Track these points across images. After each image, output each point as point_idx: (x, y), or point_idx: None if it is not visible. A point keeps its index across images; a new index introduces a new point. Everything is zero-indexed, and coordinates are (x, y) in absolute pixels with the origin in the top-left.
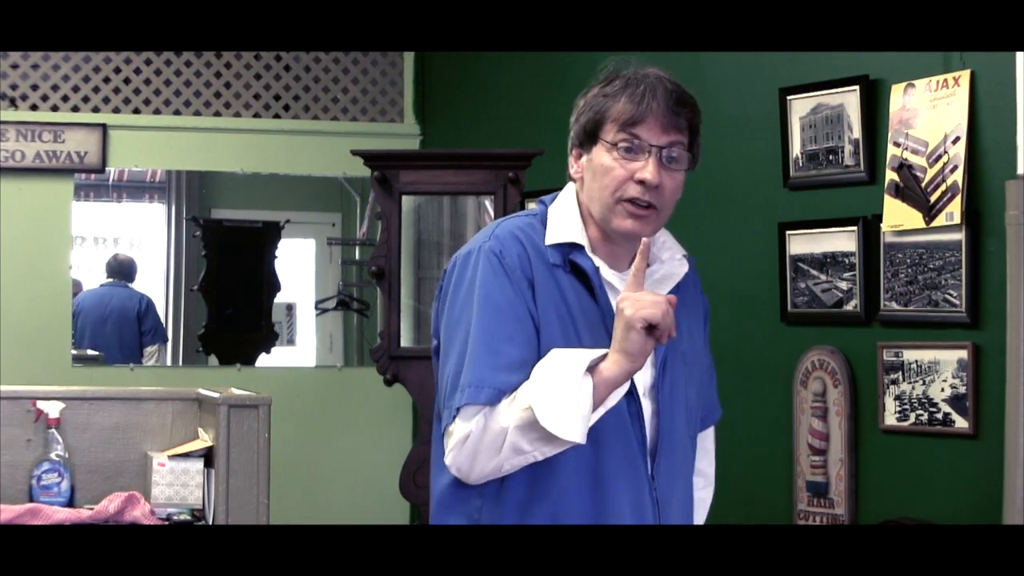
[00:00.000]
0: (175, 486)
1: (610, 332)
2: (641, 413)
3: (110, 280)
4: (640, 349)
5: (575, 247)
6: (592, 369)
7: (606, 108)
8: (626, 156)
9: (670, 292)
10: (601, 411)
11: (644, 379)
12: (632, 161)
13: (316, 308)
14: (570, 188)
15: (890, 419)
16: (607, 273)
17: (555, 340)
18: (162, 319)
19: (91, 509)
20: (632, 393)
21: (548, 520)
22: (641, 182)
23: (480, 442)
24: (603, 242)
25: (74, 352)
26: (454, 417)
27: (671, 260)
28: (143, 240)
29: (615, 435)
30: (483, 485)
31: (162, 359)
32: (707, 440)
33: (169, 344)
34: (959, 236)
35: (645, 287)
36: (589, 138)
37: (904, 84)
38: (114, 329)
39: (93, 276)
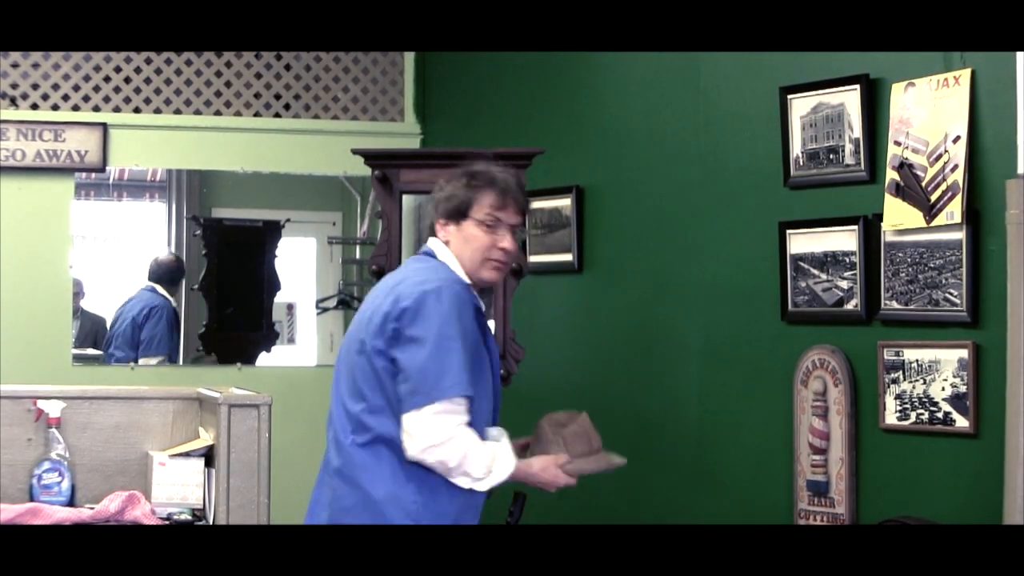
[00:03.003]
0: (176, 485)
1: (487, 334)
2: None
3: (148, 285)
4: (538, 485)
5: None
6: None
7: (476, 196)
8: (489, 230)
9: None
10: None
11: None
12: (494, 233)
13: (317, 307)
14: (440, 245)
15: (891, 418)
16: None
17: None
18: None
19: (92, 508)
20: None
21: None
22: (502, 249)
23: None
24: (478, 282)
25: (74, 352)
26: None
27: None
28: (144, 239)
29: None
30: (421, 485)
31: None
32: None
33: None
34: (960, 235)
35: None
36: (460, 215)
37: (905, 83)
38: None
39: (94, 276)
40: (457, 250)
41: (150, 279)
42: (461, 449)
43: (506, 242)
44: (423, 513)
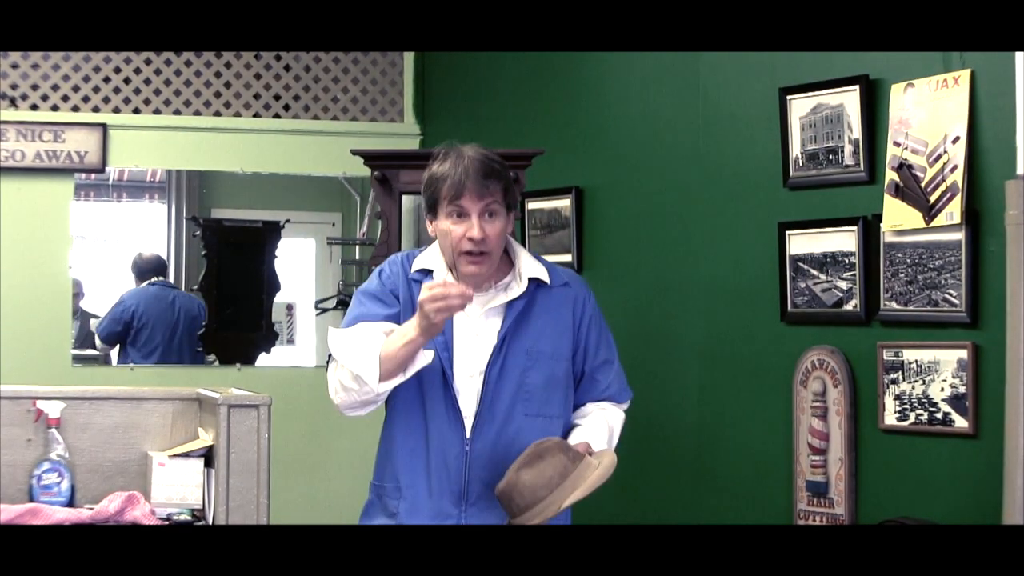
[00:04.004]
0: (175, 486)
1: (448, 324)
2: (454, 395)
3: (157, 280)
4: (420, 323)
5: (429, 272)
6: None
7: (438, 188)
8: (457, 220)
9: (510, 305)
10: (411, 370)
11: (476, 363)
12: (462, 223)
13: (316, 308)
14: (437, 243)
15: (890, 419)
16: None
17: (404, 317)
18: None
19: (91, 509)
20: (448, 383)
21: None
22: (471, 239)
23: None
24: (461, 276)
25: (74, 352)
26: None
27: (512, 287)
28: (143, 240)
29: (433, 410)
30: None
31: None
32: (602, 405)
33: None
34: (959, 236)
35: (483, 310)
36: (432, 210)
37: (904, 84)
38: (185, 335)
39: (94, 276)
40: (441, 246)
41: (153, 275)
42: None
43: (473, 230)
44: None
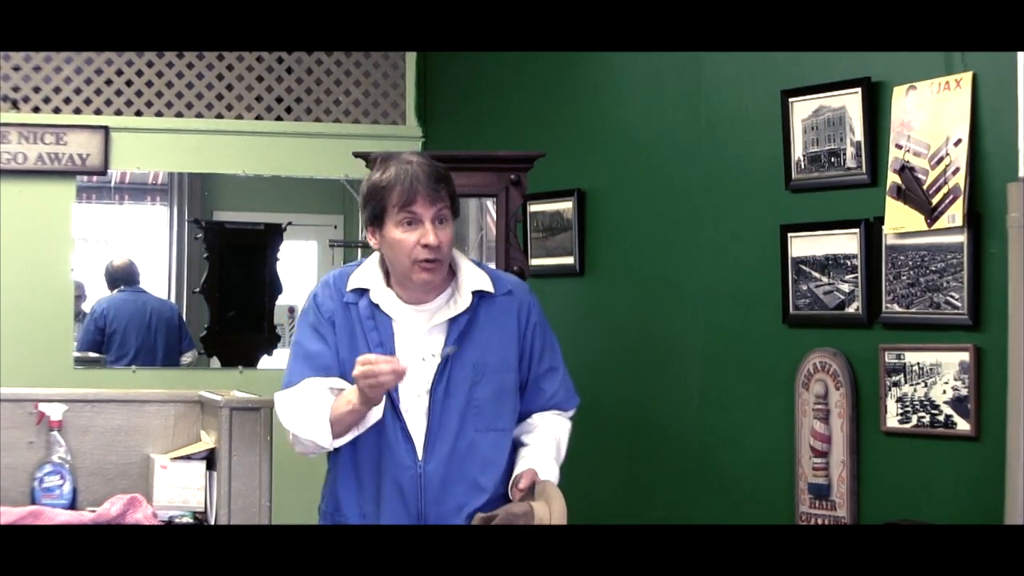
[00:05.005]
0: (177, 488)
1: (384, 338)
2: (401, 418)
3: (128, 287)
4: (360, 398)
5: (366, 291)
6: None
7: (384, 196)
8: (408, 228)
9: (453, 321)
10: (364, 427)
11: (423, 383)
12: (414, 231)
13: None
14: (375, 255)
15: (892, 421)
16: (393, 307)
17: (343, 345)
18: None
19: (93, 512)
20: (395, 405)
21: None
22: (425, 246)
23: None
24: (405, 288)
25: (76, 355)
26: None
27: (454, 301)
28: (145, 242)
29: (383, 435)
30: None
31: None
32: (547, 417)
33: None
34: (961, 238)
35: (427, 327)
36: (378, 220)
37: (906, 86)
38: (160, 337)
39: (95, 278)
40: (388, 258)
41: (124, 283)
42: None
43: (428, 236)
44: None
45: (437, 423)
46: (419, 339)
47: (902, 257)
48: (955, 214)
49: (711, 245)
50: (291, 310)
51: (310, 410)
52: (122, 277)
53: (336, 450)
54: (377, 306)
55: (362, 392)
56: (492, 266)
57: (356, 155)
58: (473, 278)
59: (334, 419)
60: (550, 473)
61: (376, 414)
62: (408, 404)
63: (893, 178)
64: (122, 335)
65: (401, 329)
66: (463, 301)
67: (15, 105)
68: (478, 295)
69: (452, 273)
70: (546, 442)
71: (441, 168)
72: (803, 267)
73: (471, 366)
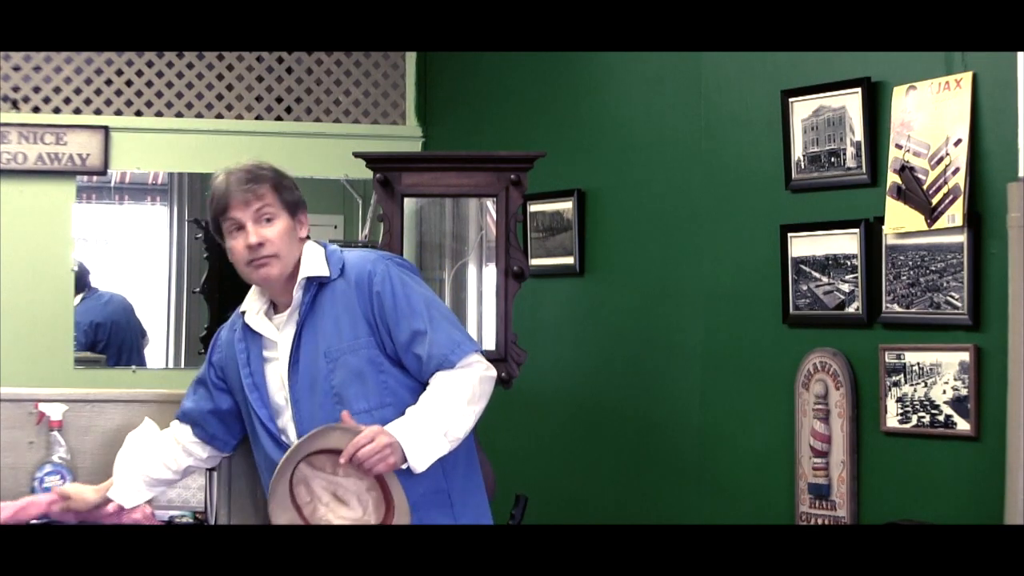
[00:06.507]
0: (177, 488)
1: (251, 355)
2: (275, 431)
3: (91, 291)
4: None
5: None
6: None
7: (212, 209)
8: (236, 233)
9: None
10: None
11: (281, 375)
12: (241, 236)
13: None
14: None
15: (892, 421)
16: (253, 319)
17: (232, 375)
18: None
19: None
20: (264, 423)
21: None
22: (248, 246)
23: None
24: (270, 294)
25: (76, 355)
26: None
27: (296, 294)
28: (145, 242)
29: (259, 449)
30: None
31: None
32: (436, 379)
33: (171, 346)
34: (961, 238)
35: (280, 333)
36: (220, 235)
37: (906, 86)
38: (132, 335)
39: (94, 279)
40: (234, 265)
41: (84, 288)
42: None
43: (250, 237)
44: None
45: (307, 422)
46: (280, 343)
47: (902, 257)
48: (955, 214)
49: (711, 245)
50: None
51: (123, 461)
52: (80, 283)
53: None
54: (247, 326)
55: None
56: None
57: (356, 155)
58: (309, 266)
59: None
60: (396, 428)
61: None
62: (280, 412)
63: (893, 178)
64: (107, 338)
65: (266, 339)
66: (297, 292)
67: (15, 105)
68: (317, 283)
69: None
70: (415, 409)
71: (260, 169)
72: (803, 267)
73: (321, 357)
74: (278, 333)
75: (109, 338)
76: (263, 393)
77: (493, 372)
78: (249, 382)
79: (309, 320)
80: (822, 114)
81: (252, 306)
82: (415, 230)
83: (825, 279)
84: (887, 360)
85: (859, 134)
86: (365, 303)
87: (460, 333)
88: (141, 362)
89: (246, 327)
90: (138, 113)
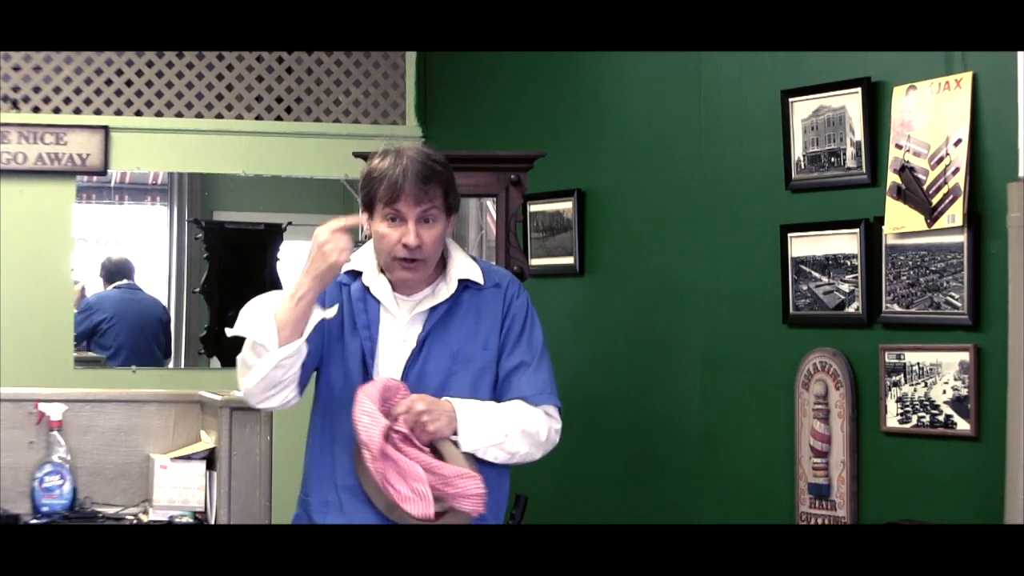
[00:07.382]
0: (177, 488)
1: (371, 321)
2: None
3: (123, 283)
4: (311, 269)
5: (359, 273)
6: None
7: (374, 189)
8: (392, 225)
9: (433, 308)
10: (307, 329)
11: (398, 360)
12: (398, 228)
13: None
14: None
15: (892, 421)
16: (382, 292)
17: (334, 320)
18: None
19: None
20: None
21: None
22: (405, 245)
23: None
24: (394, 280)
25: (76, 355)
26: None
27: (439, 290)
28: (145, 242)
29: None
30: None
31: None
32: (518, 402)
33: (171, 346)
34: (961, 238)
35: (410, 316)
36: (369, 208)
37: (906, 86)
38: (150, 336)
39: (96, 279)
40: (375, 246)
41: (120, 278)
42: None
43: (409, 237)
44: None
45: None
46: (402, 327)
47: (902, 257)
48: (955, 214)
49: (711, 245)
50: None
51: (256, 313)
52: (118, 272)
53: (311, 435)
54: (368, 289)
55: (315, 263)
56: (493, 263)
57: (356, 155)
58: (462, 268)
59: (280, 319)
60: (461, 406)
61: (318, 315)
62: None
63: (893, 178)
64: (115, 330)
65: (387, 314)
66: (446, 290)
67: (15, 105)
68: (464, 285)
69: (444, 264)
70: (485, 404)
71: (439, 165)
72: (803, 267)
73: (449, 355)
74: (407, 316)
75: (112, 326)
76: (375, 360)
77: (558, 437)
78: (369, 346)
79: (444, 316)
80: (822, 114)
81: (373, 276)
82: None
83: (825, 279)
84: (887, 360)
85: (859, 134)
86: (503, 318)
87: (554, 385)
88: (143, 364)
89: (365, 289)
90: (138, 113)
